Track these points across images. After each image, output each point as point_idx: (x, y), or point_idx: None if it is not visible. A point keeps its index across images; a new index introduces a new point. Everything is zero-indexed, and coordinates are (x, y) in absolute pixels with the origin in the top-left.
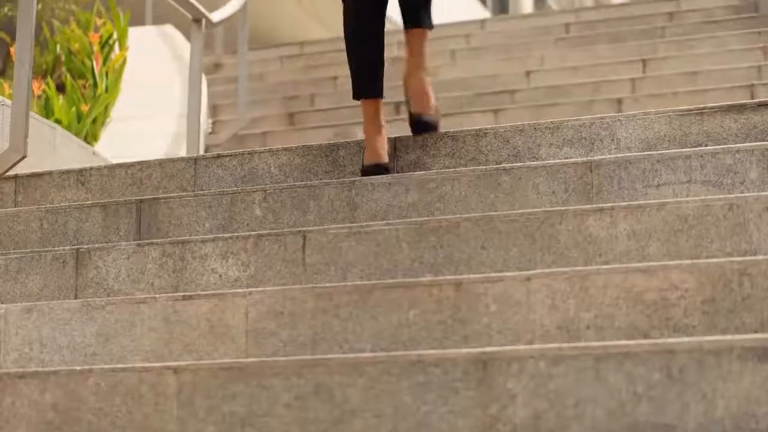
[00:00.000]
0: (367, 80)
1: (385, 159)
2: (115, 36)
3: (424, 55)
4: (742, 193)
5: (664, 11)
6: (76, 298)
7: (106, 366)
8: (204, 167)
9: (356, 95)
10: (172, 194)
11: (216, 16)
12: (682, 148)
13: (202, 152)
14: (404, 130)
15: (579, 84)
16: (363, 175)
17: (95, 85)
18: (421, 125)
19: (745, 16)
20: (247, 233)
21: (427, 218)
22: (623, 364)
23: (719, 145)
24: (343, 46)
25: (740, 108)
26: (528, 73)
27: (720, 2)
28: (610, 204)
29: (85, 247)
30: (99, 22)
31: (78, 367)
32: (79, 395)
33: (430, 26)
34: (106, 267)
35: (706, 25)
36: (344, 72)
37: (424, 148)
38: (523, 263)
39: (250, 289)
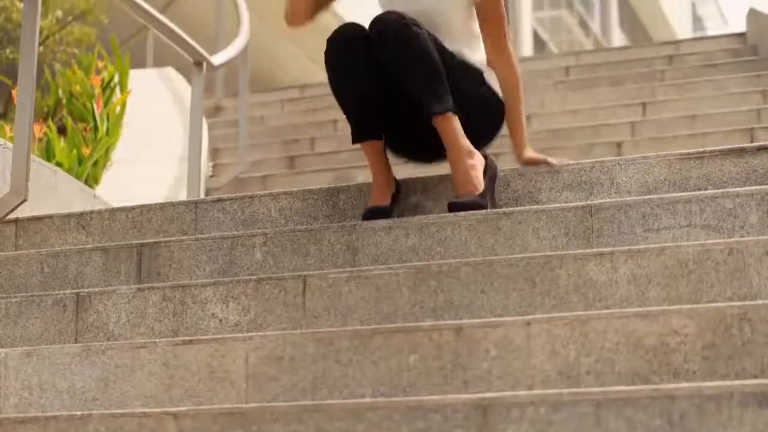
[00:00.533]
0: (361, 121)
1: (385, 202)
2: (116, 79)
3: (459, 143)
4: (742, 237)
5: (663, 54)
6: (76, 342)
7: (105, 411)
8: (204, 211)
9: (353, 138)
10: (172, 238)
11: (217, 60)
12: (682, 192)
13: (202, 196)
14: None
15: (579, 127)
16: (362, 218)
17: (96, 128)
18: (455, 207)
19: (744, 59)
20: (248, 277)
21: (427, 262)
22: (623, 410)
23: (719, 188)
24: None
25: (740, 152)
26: (528, 117)
27: (719, 46)
28: (610, 248)
29: (86, 291)
30: (100, 64)
31: (78, 413)
32: None
33: (445, 110)
34: (106, 311)
35: (705, 68)
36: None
37: (425, 192)
38: (523, 308)
39: (250, 334)
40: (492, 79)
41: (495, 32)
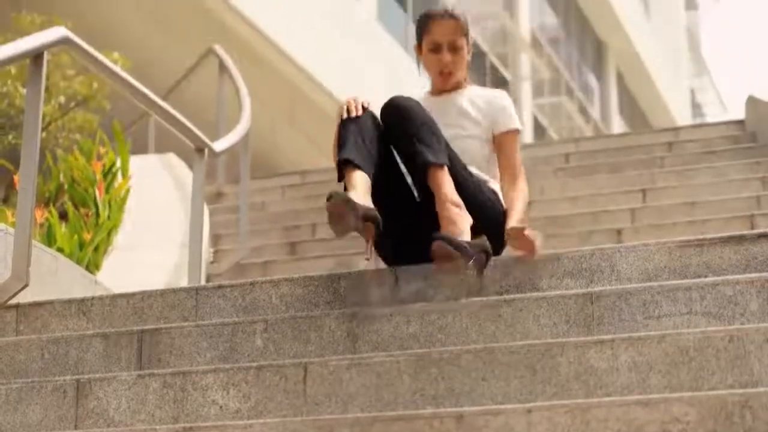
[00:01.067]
0: (347, 149)
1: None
2: (118, 164)
3: (448, 192)
4: (742, 324)
5: (663, 141)
6: (76, 429)
7: None
8: (205, 297)
9: (338, 167)
10: (173, 324)
11: (218, 146)
12: (683, 279)
13: (203, 282)
14: None
15: (579, 214)
16: (327, 200)
17: (98, 213)
18: (438, 237)
19: (743, 146)
20: (249, 364)
21: (428, 350)
22: None
23: (719, 276)
24: None
25: (740, 239)
26: (528, 204)
27: (718, 132)
28: (611, 336)
29: (86, 377)
30: (102, 150)
31: None
32: None
33: (439, 162)
34: (106, 397)
35: (705, 155)
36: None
37: (426, 279)
38: (524, 395)
39: (251, 421)
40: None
41: (511, 165)
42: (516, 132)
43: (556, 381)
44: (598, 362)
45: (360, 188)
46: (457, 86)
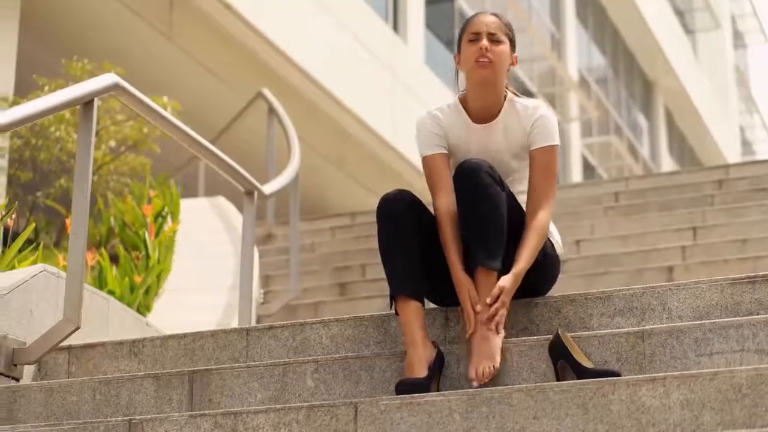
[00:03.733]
0: (401, 277)
1: (422, 373)
2: (167, 208)
3: (492, 304)
4: None
5: (713, 179)
6: None
7: None
8: (256, 338)
9: (392, 293)
10: (224, 365)
11: (268, 189)
12: (734, 316)
13: (254, 323)
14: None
15: (629, 252)
16: (396, 391)
17: (148, 256)
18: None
19: None
20: (299, 404)
21: (479, 388)
22: None
23: None
24: None
25: None
26: (578, 242)
27: None
28: (662, 373)
29: (138, 418)
30: (152, 194)
31: None
32: None
33: (491, 267)
34: None
35: (755, 192)
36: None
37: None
38: None
39: None
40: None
41: (537, 184)
42: (548, 149)
43: (608, 419)
44: (650, 400)
45: (418, 336)
46: (495, 106)
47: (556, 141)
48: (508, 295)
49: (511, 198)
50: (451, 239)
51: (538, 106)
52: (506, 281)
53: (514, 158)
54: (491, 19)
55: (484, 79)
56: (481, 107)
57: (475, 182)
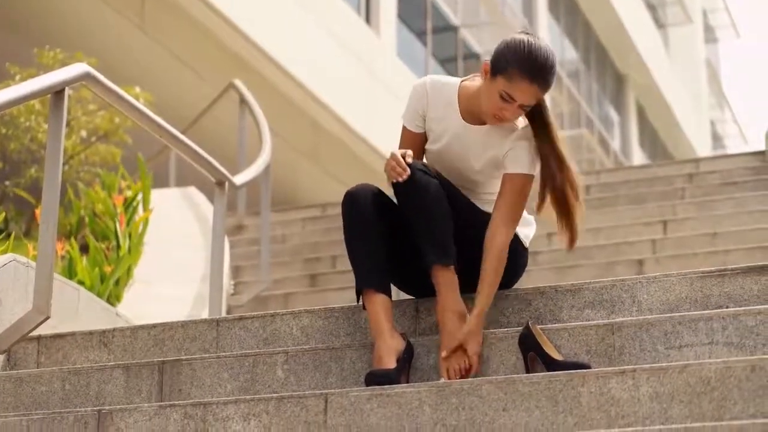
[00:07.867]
0: (367, 271)
1: (390, 364)
2: (139, 198)
3: (449, 300)
4: (764, 354)
5: (684, 173)
6: None
7: None
8: (226, 329)
9: (358, 287)
10: (194, 356)
11: (239, 179)
12: (704, 309)
13: (224, 314)
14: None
15: (600, 246)
16: (365, 382)
17: (118, 246)
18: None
19: (764, 177)
20: (269, 395)
21: (448, 380)
22: None
23: (740, 306)
24: None
25: (761, 269)
26: (549, 235)
27: (739, 163)
28: (632, 366)
29: (107, 408)
30: (123, 184)
31: None
32: None
33: (435, 261)
34: (127, 428)
35: (725, 186)
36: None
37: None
38: (545, 426)
39: None
40: (520, 227)
41: (510, 210)
42: (519, 177)
43: (578, 411)
44: (619, 392)
45: (386, 328)
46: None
47: (533, 171)
48: (476, 343)
49: (453, 191)
50: None
51: (520, 134)
52: (470, 331)
53: (480, 171)
54: (535, 91)
55: (490, 122)
56: (476, 113)
57: (411, 179)
